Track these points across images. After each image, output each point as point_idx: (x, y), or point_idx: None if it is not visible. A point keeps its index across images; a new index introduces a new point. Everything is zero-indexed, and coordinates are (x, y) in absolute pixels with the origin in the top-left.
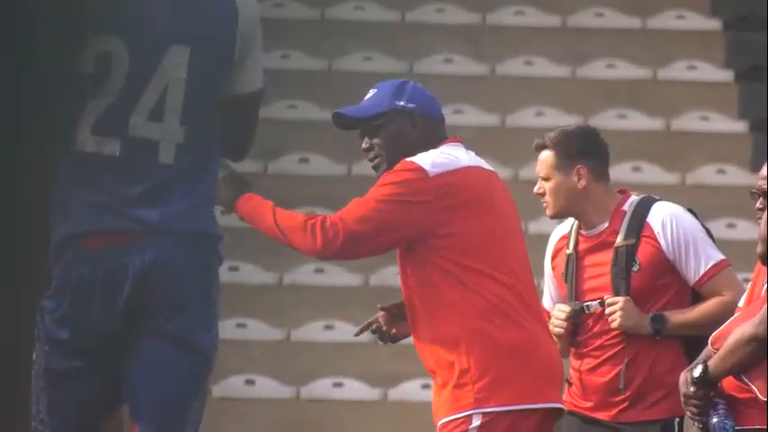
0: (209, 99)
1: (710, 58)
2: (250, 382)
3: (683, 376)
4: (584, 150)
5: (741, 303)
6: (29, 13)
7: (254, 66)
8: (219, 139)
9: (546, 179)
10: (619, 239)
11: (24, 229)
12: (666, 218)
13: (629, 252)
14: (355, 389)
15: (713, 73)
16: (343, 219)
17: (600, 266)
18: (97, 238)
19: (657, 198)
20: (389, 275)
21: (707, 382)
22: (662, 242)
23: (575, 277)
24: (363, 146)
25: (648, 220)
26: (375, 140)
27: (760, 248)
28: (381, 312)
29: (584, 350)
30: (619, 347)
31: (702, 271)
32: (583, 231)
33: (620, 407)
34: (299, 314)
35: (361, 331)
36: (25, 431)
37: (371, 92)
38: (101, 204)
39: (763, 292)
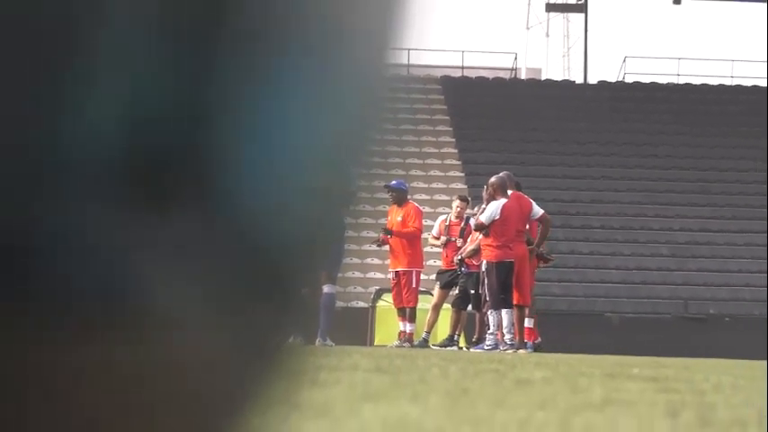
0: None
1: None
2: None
3: (456, 258)
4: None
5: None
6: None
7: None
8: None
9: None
10: (462, 225)
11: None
12: (472, 219)
13: (465, 228)
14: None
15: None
16: (416, 226)
17: (456, 231)
18: None
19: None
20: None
21: (461, 260)
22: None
23: (448, 230)
24: (388, 194)
25: (472, 221)
26: (393, 195)
27: (478, 232)
28: (381, 238)
29: (450, 251)
30: (456, 251)
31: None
32: (454, 219)
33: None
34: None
35: (375, 242)
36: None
37: (395, 182)
38: None
39: (480, 236)
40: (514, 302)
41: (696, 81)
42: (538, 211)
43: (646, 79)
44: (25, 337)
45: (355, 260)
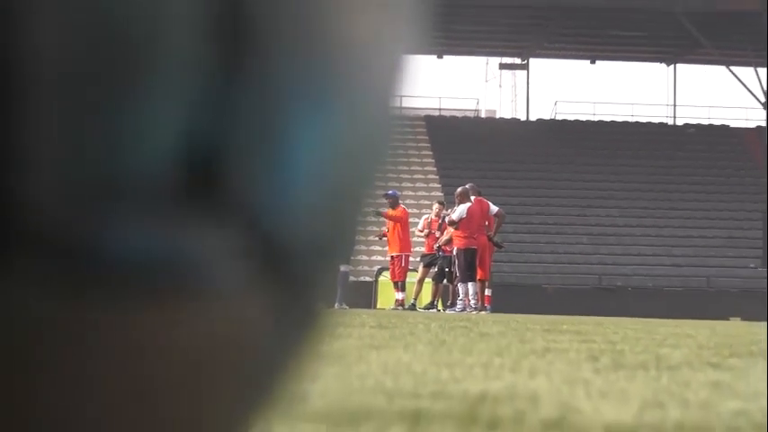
0: None
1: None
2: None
3: (435, 245)
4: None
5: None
6: None
7: None
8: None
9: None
10: (440, 221)
11: None
12: (447, 218)
13: (442, 224)
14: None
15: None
16: (398, 214)
17: (435, 225)
18: None
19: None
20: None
21: (439, 247)
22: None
23: (429, 225)
24: (386, 199)
25: (446, 219)
26: (389, 200)
27: (450, 226)
28: (382, 233)
29: (431, 240)
30: (435, 241)
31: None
32: (434, 217)
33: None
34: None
35: (377, 235)
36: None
37: (390, 191)
38: None
39: (452, 229)
40: (478, 277)
41: (607, 119)
42: (494, 208)
43: (571, 117)
44: (79, 318)
45: (362, 247)
